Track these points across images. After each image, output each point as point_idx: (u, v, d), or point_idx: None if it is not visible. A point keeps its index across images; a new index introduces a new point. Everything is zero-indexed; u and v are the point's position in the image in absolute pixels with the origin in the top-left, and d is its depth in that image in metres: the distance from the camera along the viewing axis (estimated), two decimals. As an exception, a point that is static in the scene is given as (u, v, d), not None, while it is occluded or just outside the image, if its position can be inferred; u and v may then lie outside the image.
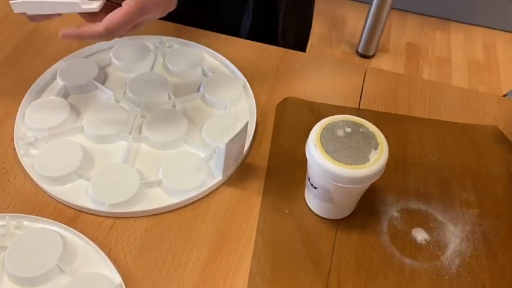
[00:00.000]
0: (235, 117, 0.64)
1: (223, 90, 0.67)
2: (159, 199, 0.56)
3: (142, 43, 0.73)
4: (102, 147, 0.60)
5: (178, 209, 0.55)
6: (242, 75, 0.69)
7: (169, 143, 0.61)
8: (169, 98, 0.66)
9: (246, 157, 0.61)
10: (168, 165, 0.58)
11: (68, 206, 0.55)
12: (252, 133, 0.62)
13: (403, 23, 2.31)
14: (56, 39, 0.74)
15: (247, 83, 0.68)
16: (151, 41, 0.74)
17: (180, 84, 0.69)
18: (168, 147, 0.61)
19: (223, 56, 0.72)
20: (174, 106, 0.65)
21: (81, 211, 0.54)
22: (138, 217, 0.54)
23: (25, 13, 0.53)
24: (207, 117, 0.64)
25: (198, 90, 0.68)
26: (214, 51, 0.72)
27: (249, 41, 0.76)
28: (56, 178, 0.56)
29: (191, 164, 0.58)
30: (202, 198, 0.56)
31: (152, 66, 0.71)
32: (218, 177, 0.57)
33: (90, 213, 0.54)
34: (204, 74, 0.70)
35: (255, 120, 0.64)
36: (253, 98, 0.66)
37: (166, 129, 0.61)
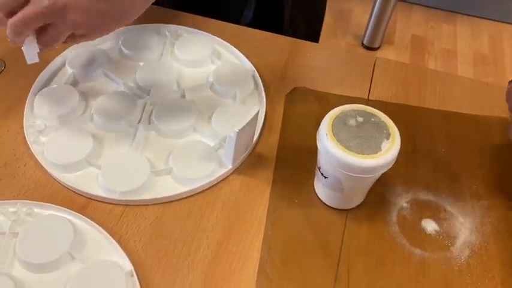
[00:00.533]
0: (244, 106, 0.64)
1: (232, 79, 0.66)
2: (169, 187, 0.56)
3: (152, 32, 0.72)
4: (111, 135, 0.60)
5: (188, 197, 0.55)
6: (251, 65, 0.69)
7: (179, 132, 0.60)
8: (178, 87, 0.66)
9: (255, 146, 0.61)
10: (178, 154, 0.58)
11: (79, 194, 0.55)
12: (262, 122, 0.62)
13: (409, 16, 2.30)
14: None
15: (256, 72, 0.68)
16: (160, 30, 0.73)
17: (189, 73, 0.69)
18: (178, 135, 0.61)
19: (233, 45, 0.71)
20: (183, 95, 0.65)
21: (91, 199, 0.54)
22: (148, 205, 0.54)
23: None
24: (216, 106, 0.63)
25: (207, 79, 0.67)
26: (223, 41, 0.72)
27: (259, 31, 0.75)
28: (66, 165, 0.56)
29: (201, 153, 0.58)
30: (212, 186, 0.56)
31: (161, 55, 0.70)
32: (228, 166, 0.57)
33: (100, 201, 0.54)
34: (213, 63, 0.70)
35: (264, 110, 0.64)
36: (262, 87, 0.66)
37: (175, 118, 0.61)
